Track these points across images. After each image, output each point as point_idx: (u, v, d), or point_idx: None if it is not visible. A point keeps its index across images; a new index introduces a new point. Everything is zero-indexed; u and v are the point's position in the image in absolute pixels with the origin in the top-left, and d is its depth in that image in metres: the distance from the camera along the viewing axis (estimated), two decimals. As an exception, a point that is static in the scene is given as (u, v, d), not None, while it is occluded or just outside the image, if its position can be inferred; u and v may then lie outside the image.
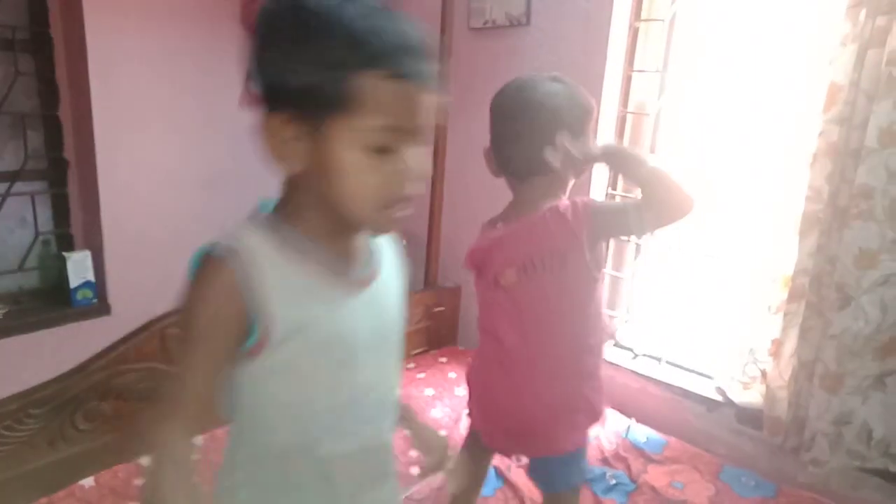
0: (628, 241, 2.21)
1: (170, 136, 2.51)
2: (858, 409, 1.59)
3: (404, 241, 2.74)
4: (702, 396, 1.99)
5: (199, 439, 1.77)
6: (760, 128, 1.77)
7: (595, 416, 1.27)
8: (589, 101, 1.23)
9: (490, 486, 1.71)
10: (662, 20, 2.00)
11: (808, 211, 1.61)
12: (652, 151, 2.13)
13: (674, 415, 2.04)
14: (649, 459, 1.86)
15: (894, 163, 1.45)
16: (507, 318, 1.24)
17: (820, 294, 1.60)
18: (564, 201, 1.20)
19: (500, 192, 2.36)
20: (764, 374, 1.74)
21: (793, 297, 1.65)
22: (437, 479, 1.69)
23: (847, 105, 1.53)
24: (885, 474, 1.65)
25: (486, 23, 2.27)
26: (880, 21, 1.48)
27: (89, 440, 1.63)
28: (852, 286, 1.52)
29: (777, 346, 1.69)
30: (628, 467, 1.81)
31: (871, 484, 1.68)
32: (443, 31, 2.22)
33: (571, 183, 1.27)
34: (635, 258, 2.23)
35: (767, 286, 1.76)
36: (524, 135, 1.20)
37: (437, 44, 0.69)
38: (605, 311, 2.29)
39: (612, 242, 2.25)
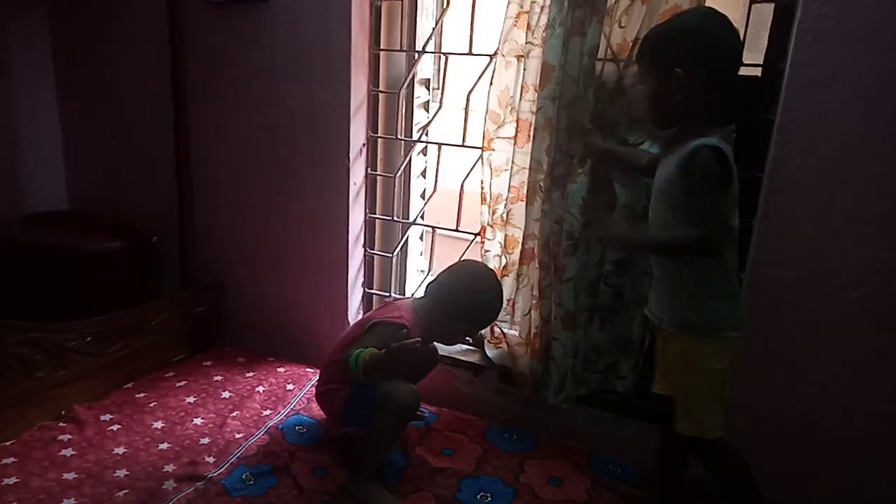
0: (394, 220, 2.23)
1: None
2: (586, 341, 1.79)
3: (154, 239, 2.51)
4: (468, 363, 2.07)
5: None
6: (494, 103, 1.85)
7: None
8: None
9: (262, 485, 1.62)
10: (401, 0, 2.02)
11: (531, 181, 1.73)
12: (406, 132, 2.17)
13: (445, 385, 2.09)
14: (422, 433, 1.88)
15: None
16: None
17: (551, 251, 1.73)
18: None
19: (258, 177, 2.26)
20: (503, 333, 1.86)
21: (524, 258, 1.77)
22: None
23: (557, 85, 1.65)
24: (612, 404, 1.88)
25: (222, -3, 2.12)
26: (578, 13, 1.60)
27: None
28: (578, 232, 1.68)
29: (512, 305, 1.81)
30: (403, 443, 1.82)
31: (607, 419, 1.89)
32: (173, 4, 2.03)
33: None
34: (401, 238, 2.25)
35: (497, 251, 1.88)
36: None
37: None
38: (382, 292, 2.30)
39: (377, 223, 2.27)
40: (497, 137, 1.83)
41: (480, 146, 1.89)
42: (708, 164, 1.26)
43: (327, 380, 1.76)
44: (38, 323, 1.77)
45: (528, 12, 1.73)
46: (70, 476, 1.59)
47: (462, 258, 2.00)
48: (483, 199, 1.89)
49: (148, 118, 2.41)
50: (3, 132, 2.46)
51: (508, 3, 1.75)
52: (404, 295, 2.28)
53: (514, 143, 1.80)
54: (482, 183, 1.88)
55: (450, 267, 1.83)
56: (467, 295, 1.73)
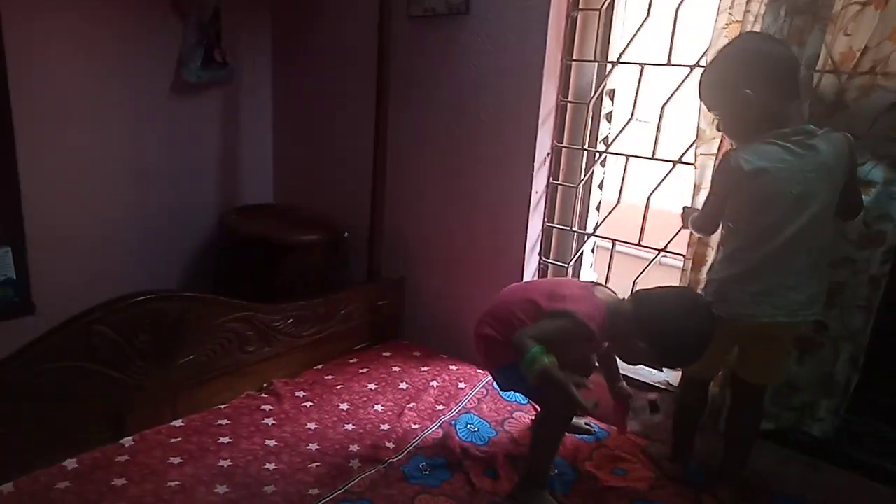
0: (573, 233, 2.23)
1: (97, 126, 2.39)
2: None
3: (346, 234, 2.72)
4: (642, 383, 2.01)
5: (128, 440, 1.70)
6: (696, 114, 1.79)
7: None
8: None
9: (437, 477, 1.69)
10: (598, 10, 2.01)
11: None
12: (590, 141, 2.15)
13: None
14: (592, 449, 1.86)
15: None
16: None
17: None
18: None
19: (443, 181, 2.37)
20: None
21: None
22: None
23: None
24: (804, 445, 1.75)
25: (425, 11, 2.24)
26: (797, 21, 1.51)
27: (5, 444, 1.54)
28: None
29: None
30: (573, 457, 1.81)
31: (796, 460, 1.75)
32: (382, 19, 2.19)
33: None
34: (576, 250, 2.24)
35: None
36: None
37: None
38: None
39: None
40: (701, 154, 1.76)
41: (672, 160, 1.82)
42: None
43: (499, 325, 1.66)
44: (252, 303, 1.99)
45: (739, 21, 1.65)
46: (271, 443, 1.77)
47: (679, 283, 1.87)
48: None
49: (348, 123, 2.62)
50: (230, 133, 2.80)
51: (718, 13, 1.67)
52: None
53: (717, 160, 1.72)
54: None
55: (670, 287, 1.66)
56: (671, 328, 1.51)
